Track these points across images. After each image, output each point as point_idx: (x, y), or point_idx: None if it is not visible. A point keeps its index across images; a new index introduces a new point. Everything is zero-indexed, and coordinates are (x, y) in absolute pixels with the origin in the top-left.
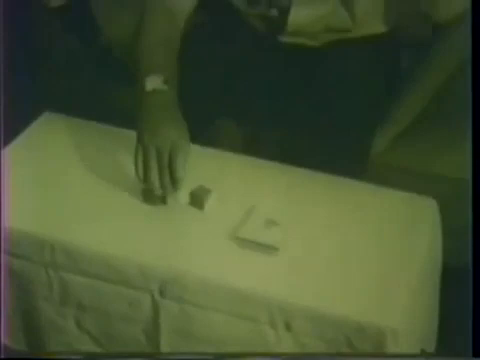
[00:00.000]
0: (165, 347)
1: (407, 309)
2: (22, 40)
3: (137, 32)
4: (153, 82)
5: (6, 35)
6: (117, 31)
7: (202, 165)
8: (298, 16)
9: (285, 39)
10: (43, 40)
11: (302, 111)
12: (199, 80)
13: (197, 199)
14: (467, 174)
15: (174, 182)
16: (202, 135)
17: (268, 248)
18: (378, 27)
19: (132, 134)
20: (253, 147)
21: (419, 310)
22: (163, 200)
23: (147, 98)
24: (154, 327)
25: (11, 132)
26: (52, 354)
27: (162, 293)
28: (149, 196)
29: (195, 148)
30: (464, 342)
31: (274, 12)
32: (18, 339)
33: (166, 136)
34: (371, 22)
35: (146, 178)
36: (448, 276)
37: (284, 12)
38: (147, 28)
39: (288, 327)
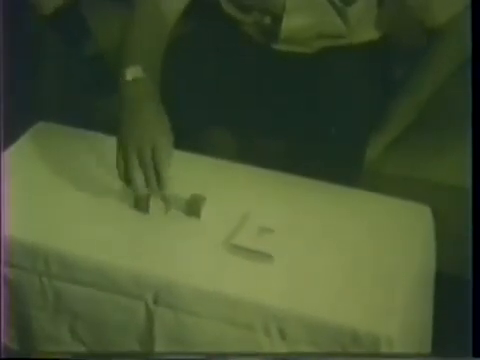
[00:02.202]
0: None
1: (402, 317)
2: (15, 49)
3: (123, 30)
4: (132, 72)
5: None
6: (110, 38)
7: (196, 173)
8: (291, 23)
9: (279, 47)
10: (36, 48)
11: (296, 119)
12: (192, 88)
13: (193, 207)
14: (466, 181)
15: (160, 182)
16: (196, 143)
17: (262, 256)
18: (372, 33)
19: None
20: (247, 155)
21: (414, 317)
22: (146, 202)
23: (126, 89)
24: (148, 335)
25: (3, 141)
26: (51, 354)
27: (156, 301)
28: (141, 203)
29: (189, 156)
30: (464, 342)
31: (267, 20)
32: (12, 347)
33: (147, 132)
34: (365, 29)
35: (128, 178)
36: (448, 279)
37: (277, 20)
38: (133, 24)
39: (282, 335)
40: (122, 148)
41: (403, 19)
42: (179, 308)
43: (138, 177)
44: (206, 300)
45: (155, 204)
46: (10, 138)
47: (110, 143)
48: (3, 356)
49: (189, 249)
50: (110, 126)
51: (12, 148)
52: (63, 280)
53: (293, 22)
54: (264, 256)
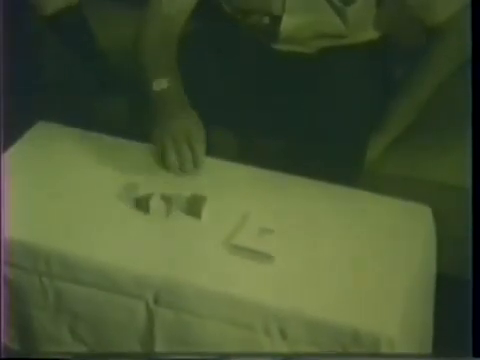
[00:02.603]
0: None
1: (402, 317)
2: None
3: (136, 37)
4: (159, 84)
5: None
6: (110, 38)
7: (196, 173)
8: (291, 23)
9: (279, 46)
10: (36, 48)
11: (296, 118)
12: (193, 88)
13: (194, 208)
14: (466, 181)
15: (195, 160)
16: None
17: (263, 256)
18: (371, 33)
19: (126, 143)
20: (247, 155)
21: (414, 317)
22: (147, 202)
23: (156, 97)
24: (149, 335)
25: (3, 141)
26: (51, 355)
27: (157, 301)
28: (142, 204)
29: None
30: (464, 342)
31: (267, 20)
32: (13, 347)
33: (180, 124)
34: (364, 28)
35: (165, 161)
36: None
37: (277, 19)
38: (146, 33)
39: (283, 335)
40: (159, 139)
41: (403, 18)
42: (179, 308)
43: (175, 159)
44: (206, 300)
45: (155, 204)
46: (10, 138)
47: (110, 143)
48: (3, 356)
49: (189, 249)
50: (110, 126)
51: (12, 148)
52: (64, 280)
53: (292, 22)
54: (264, 256)
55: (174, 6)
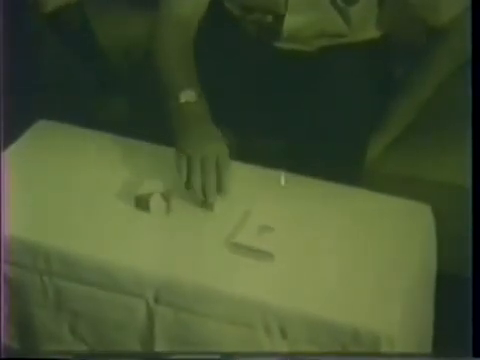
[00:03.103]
0: None
1: (402, 316)
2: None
3: (152, 43)
4: (186, 95)
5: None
6: (113, 36)
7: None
8: (293, 21)
9: (280, 45)
10: (36, 48)
11: (297, 117)
12: None
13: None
14: (466, 181)
15: (221, 187)
16: None
17: (263, 254)
18: (373, 32)
19: (128, 141)
20: (248, 154)
21: (414, 317)
22: (147, 201)
23: (181, 109)
24: (149, 334)
25: (3, 141)
26: (52, 354)
27: (157, 300)
28: (142, 202)
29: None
30: (464, 342)
31: (269, 18)
32: (13, 345)
33: (210, 149)
34: (366, 27)
35: (189, 184)
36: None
37: (279, 18)
38: (163, 39)
39: (283, 334)
40: (186, 158)
41: (404, 18)
42: (180, 307)
43: (198, 184)
44: (207, 299)
45: (156, 203)
46: (10, 138)
47: (110, 142)
48: (3, 356)
49: (190, 248)
50: (110, 125)
51: (12, 147)
52: (64, 278)
53: (295, 20)
54: (265, 255)
55: (188, 6)
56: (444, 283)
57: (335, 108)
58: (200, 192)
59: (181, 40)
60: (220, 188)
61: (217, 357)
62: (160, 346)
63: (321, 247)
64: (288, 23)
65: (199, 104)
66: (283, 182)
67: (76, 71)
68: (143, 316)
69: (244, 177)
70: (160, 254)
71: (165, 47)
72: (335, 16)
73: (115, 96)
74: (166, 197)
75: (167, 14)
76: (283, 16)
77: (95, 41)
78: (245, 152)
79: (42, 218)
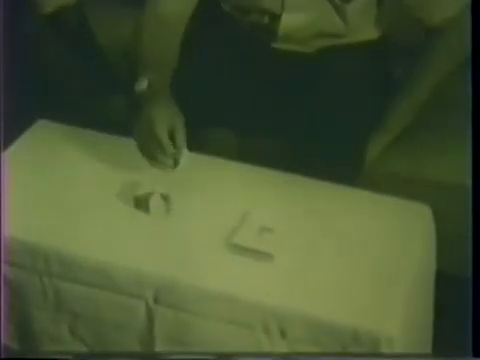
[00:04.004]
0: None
1: (402, 316)
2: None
3: (132, 38)
4: (141, 83)
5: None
6: (112, 36)
7: (197, 172)
8: (290, 21)
9: (278, 45)
10: (36, 48)
11: (296, 118)
12: (193, 88)
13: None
14: (466, 181)
15: (178, 151)
16: (196, 143)
17: (263, 255)
18: (371, 33)
19: (126, 141)
20: (247, 154)
21: (414, 317)
22: (147, 202)
23: (139, 97)
24: (148, 334)
25: (3, 141)
26: (51, 354)
27: (156, 300)
28: (142, 203)
29: (190, 155)
30: (464, 342)
31: (266, 19)
32: (13, 346)
33: (160, 114)
34: (364, 28)
35: (145, 153)
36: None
37: (276, 18)
38: (141, 33)
39: (283, 334)
40: (140, 132)
41: (403, 18)
42: (179, 307)
43: (157, 151)
44: (206, 299)
45: (155, 203)
46: (10, 138)
47: (110, 142)
48: (3, 356)
49: (189, 248)
50: (110, 125)
51: (12, 147)
52: (63, 279)
53: (292, 20)
54: (264, 255)
55: (171, 6)
56: (444, 283)
57: (335, 108)
58: (155, 159)
59: (159, 37)
60: (176, 153)
61: (216, 357)
62: (160, 346)
63: (321, 247)
64: (285, 23)
65: (153, 88)
66: (283, 183)
67: (76, 71)
68: (143, 316)
69: (244, 177)
70: (160, 255)
71: (141, 42)
72: (332, 15)
73: (115, 96)
74: (165, 197)
75: (150, 13)
76: (280, 16)
77: (94, 41)
78: (245, 152)
79: (42, 219)
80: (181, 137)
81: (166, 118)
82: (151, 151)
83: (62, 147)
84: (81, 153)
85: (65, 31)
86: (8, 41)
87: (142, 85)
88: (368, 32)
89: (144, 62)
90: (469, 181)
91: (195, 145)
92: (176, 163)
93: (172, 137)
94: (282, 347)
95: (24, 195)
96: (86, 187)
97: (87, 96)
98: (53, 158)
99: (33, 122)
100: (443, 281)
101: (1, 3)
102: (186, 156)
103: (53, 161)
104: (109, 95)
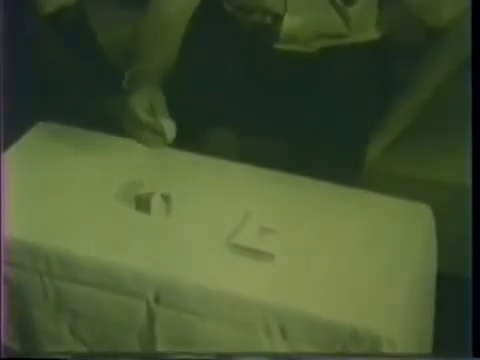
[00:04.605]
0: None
1: (402, 316)
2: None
3: (132, 35)
4: (128, 74)
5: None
6: (112, 36)
7: (197, 172)
8: (292, 22)
9: (280, 46)
10: (36, 48)
11: (296, 118)
12: (193, 88)
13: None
14: (466, 181)
15: (160, 130)
16: (197, 143)
17: (263, 255)
18: (372, 33)
19: (127, 142)
20: (248, 154)
21: (414, 317)
22: (148, 202)
23: (127, 84)
24: (149, 334)
25: (3, 141)
26: (52, 354)
27: (157, 300)
28: (143, 203)
29: (191, 156)
30: (464, 342)
31: (268, 19)
32: (13, 346)
33: (141, 99)
34: (365, 28)
35: (136, 137)
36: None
37: (279, 19)
38: (142, 31)
39: (283, 334)
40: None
41: (404, 19)
42: (180, 307)
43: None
44: (207, 299)
45: (156, 203)
46: (10, 138)
47: (110, 142)
48: (3, 356)
49: (190, 248)
50: (110, 125)
51: (12, 148)
52: (64, 279)
53: (294, 21)
54: (265, 255)
55: (173, 5)
56: (444, 283)
57: (335, 109)
58: (141, 139)
59: (162, 35)
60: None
61: (217, 357)
62: (160, 346)
63: (321, 248)
64: (287, 23)
65: (138, 75)
66: (283, 183)
67: (76, 71)
68: (143, 316)
69: (244, 177)
70: (160, 255)
71: (139, 38)
72: (334, 16)
73: (115, 96)
74: (166, 197)
75: (152, 11)
76: (282, 17)
77: (95, 41)
78: (245, 152)
79: (42, 219)
80: (160, 110)
81: (145, 99)
82: (138, 133)
83: (62, 148)
84: (81, 153)
85: (65, 31)
86: (8, 41)
87: (127, 76)
88: (369, 33)
89: (138, 55)
90: (469, 181)
91: (196, 146)
92: (164, 138)
93: (153, 113)
94: (283, 347)
95: (24, 195)
96: (86, 187)
97: (87, 96)
98: (53, 159)
99: (33, 123)
100: (443, 281)
101: (1, 3)
102: (171, 128)
103: (53, 162)
104: (109, 95)
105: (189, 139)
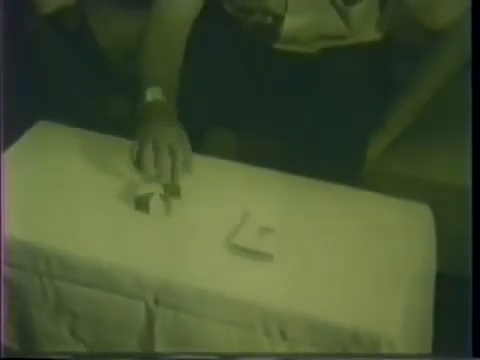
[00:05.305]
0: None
1: (402, 316)
2: (15, 49)
3: (139, 43)
4: (153, 93)
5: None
6: (112, 37)
7: (197, 172)
8: (293, 23)
9: (280, 46)
10: (36, 48)
11: (296, 118)
12: (194, 88)
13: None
14: (466, 181)
15: (174, 171)
16: (197, 143)
17: (263, 256)
18: (373, 34)
19: (127, 143)
20: (248, 154)
21: (414, 317)
22: (147, 202)
23: (147, 108)
24: (149, 335)
25: (3, 141)
26: (51, 355)
27: (157, 301)
28: (142, 204)
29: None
30: (464, 342)
31: (269, 20)
32: (13, 347)
33: (163, 132)
34: (366, 29)
35: (141, 167)
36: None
37: (279, 19)
38: (149, 40)
39: (283, 335)
40: (139, 146)
41: (405, 20)
42: (180, 308)
43: (152, 168)
44: (206, 300)
45: (155, 204)
46: (10, 138)
47: (110, 143)
48: (3, 356)
49: (189, 249)
50: (110, 126)
51: (12, 148)
52: (64, 280)
53: (295, 22)
54: (264, 256)
55: (178, 12)
56: (444, 283)
57: (335, 109)
58: (152, 175)
59: (165, 44)
60: (173, 172)
61: (217, 358)
62: (160, 347)
63: (321, 248)
64: (288, 24)
65: (163, 103)
66: (283, 183)
67: (76, 71)
68: (143, 317)
69: (244, 177)
70: (160, 255)
71: (147, 49)
72: (335, 17)
73: (115, 96)
74: (165, 198)
75: (157, 14)
76: (283, 17)
77: (94, 41)
78: (245, 152)
79: (42, 220)
80: (180, 159)
81: (170, 136)
82: (147, 166)
83: (62, 148)
84: (81, 154)
85: (65, 31)
86: (8, 41)
87: (155, 94)
88: (370, 33)
89: (153, 74)
90: (469, 181)
91: (195, 146)
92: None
93: (172, 156)
94: (282, 348)
95: (24, 195)
96: (86, 187)
97: (87, 96)
98: (53, 159)
99: (33, 123)
100: (443, 281)
101: (1, 3)
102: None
103: (53, 162)
104: (109, 95)
105: (189, 139)
